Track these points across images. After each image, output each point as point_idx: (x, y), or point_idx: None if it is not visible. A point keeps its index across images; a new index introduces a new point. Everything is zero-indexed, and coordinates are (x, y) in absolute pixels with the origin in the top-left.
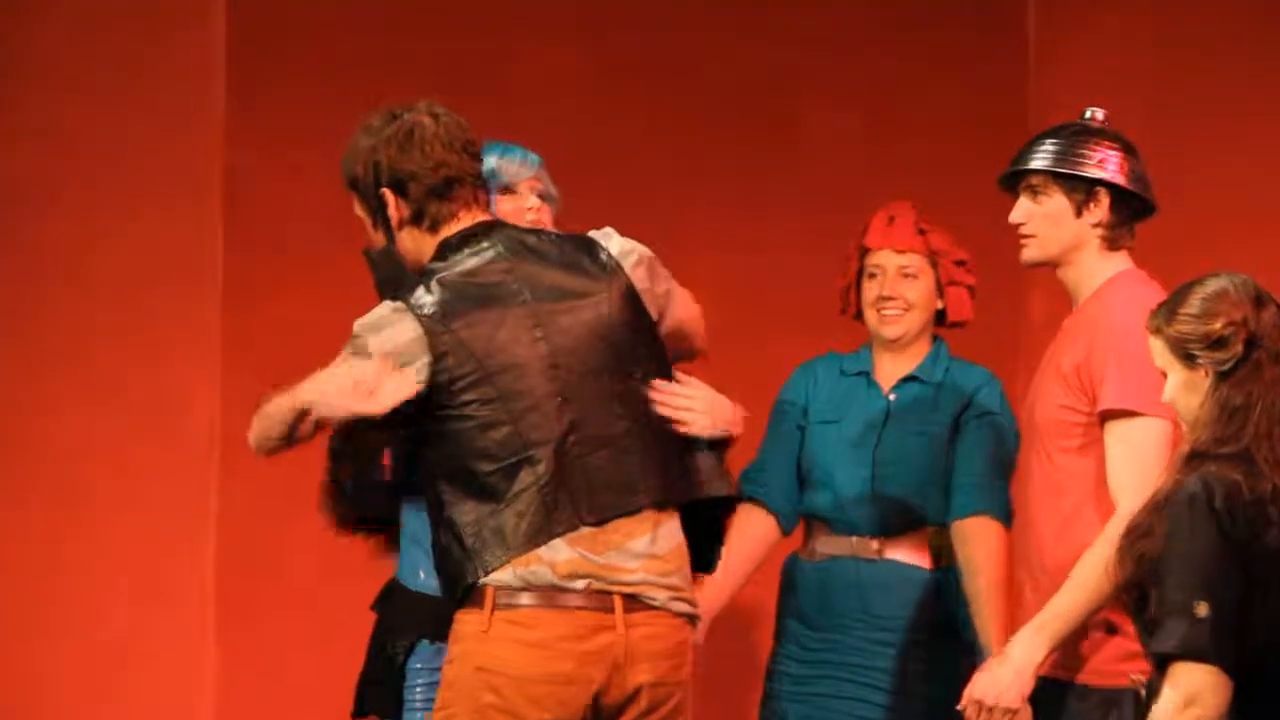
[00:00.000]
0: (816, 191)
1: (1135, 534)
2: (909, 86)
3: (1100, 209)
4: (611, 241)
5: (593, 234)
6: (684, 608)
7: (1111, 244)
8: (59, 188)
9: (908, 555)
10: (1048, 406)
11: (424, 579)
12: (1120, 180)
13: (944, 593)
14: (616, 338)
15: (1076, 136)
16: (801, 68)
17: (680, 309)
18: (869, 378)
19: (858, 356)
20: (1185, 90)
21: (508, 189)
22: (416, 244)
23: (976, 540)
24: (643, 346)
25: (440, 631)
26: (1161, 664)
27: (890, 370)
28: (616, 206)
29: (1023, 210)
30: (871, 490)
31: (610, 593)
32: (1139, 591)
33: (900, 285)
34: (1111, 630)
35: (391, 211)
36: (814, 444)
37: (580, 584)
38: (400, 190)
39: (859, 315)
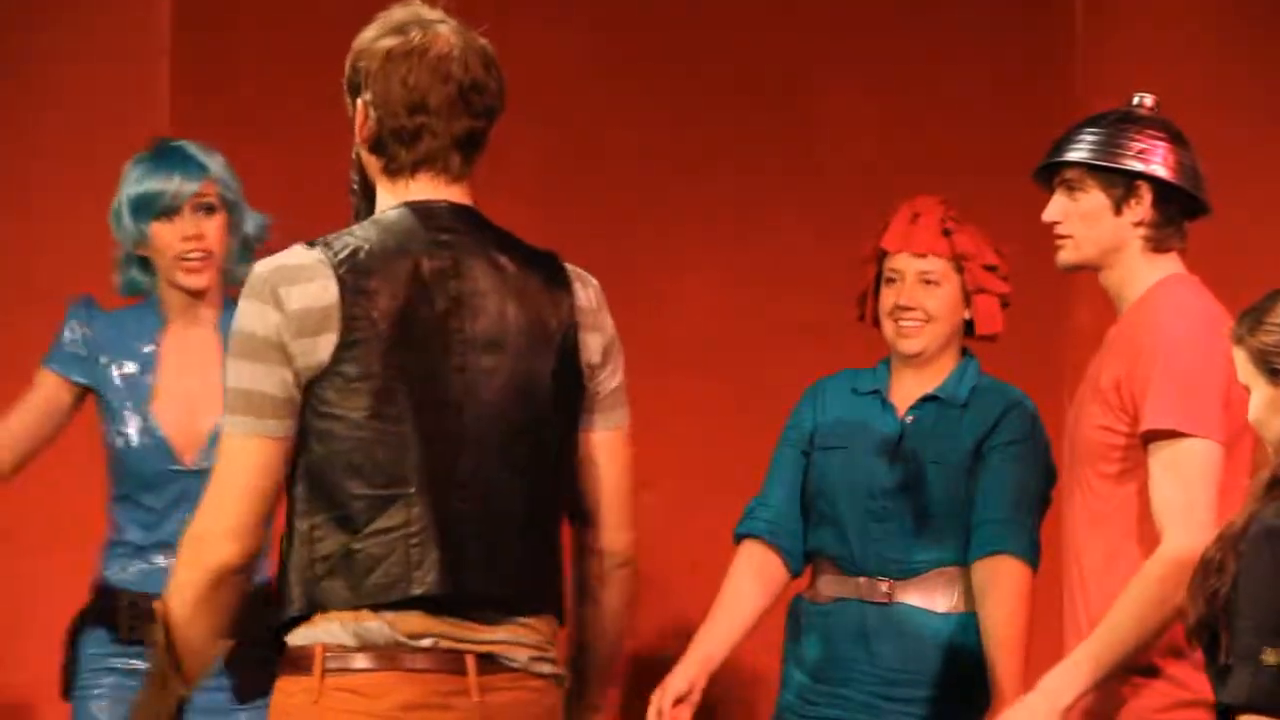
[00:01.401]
0: (832, 183)
1: (1207, 570)
2: (935, 63)
3: (1142, 206)
4: (584, 292)
5: (571, 272)
6: (549, 669)
7: (1157, 245)
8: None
9: (922, 599)
10: (1087, 428)
11: (108, 568)
12: (1164, 174)
13: (965, 643)
14: (542, 406)
15: (1118, 125)
16: (814, 43)
17: (615, 439)
18: (883, 397)
19: (874, 373)
20: (1250, 69)
21: (166, 213)
22: (372, 175)
23: (993, 583)
24: (568, 425)
25: (106, 619)
26: (1225, 718)
27: (908, 389)
28: (620, 201)
29: (1058, 208)
30: (879, 525)
31: (461, 652)
32: (1210, 634)
33: (920, 293)
34: (1154, 674)
35: (357, 123)
36: (817, 473)
37: (427, 642)
38: (371, 109)
39: (878, 323)
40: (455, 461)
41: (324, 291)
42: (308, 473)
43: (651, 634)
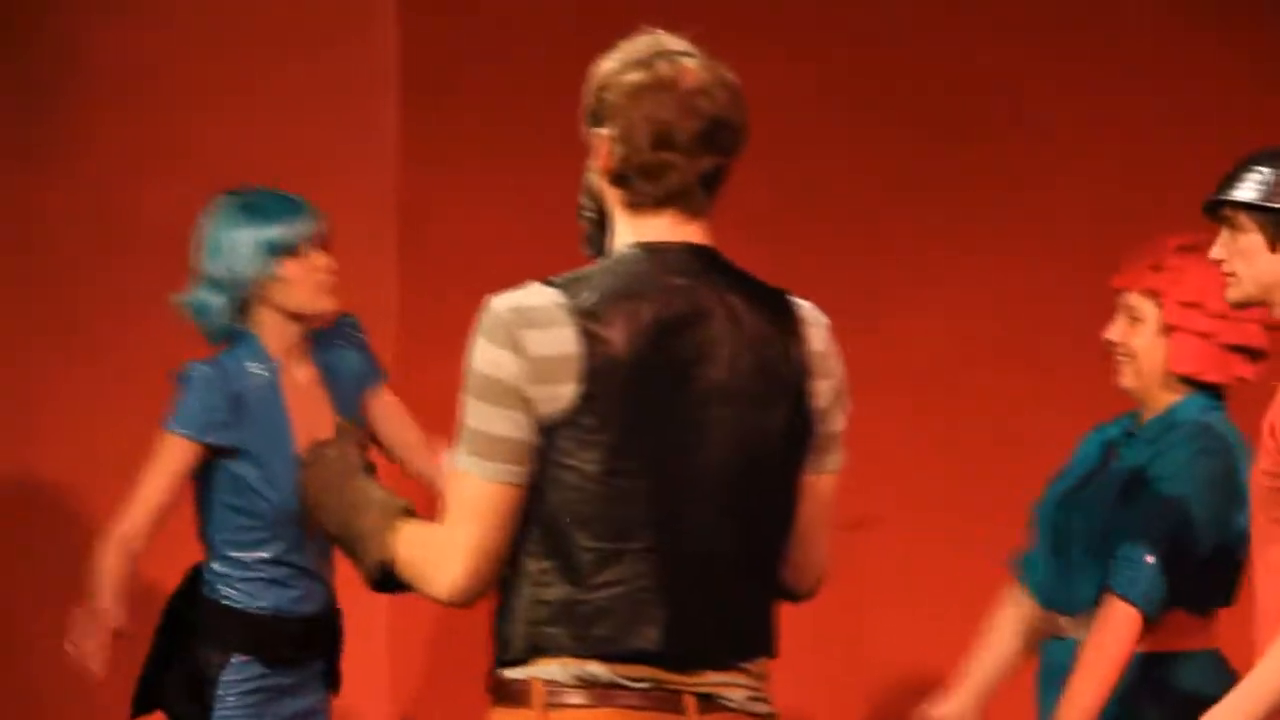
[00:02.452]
0: (1056, 214)
1: None
2: (1154, 92)
3: None
4: (816, 334)
5: (803, 313)
6: (764, 708)
7: None
8: None
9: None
10: (1258, 474)
11: (239, 595)
12: None
13: (1141, 682)
14: (771, 455)
15: (1277, 160)
16: (1036, 76)
17: (823, 483)
18: (1115, 433)
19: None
20: None
21: (295, 250)
22: (610, 206)
23: (1095, 621)
24: (794, 474)
25: (251, 646)
26: None
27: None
28: (840, 232)
29: (1220, 245)
30: (1051, 559)
31: (679, 692)
32: None
33: (1123, 329)
34: None
35: (599, 154)
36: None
37: (644, 684)
38: (615, 144)
39: None
40: (684, 516)
41: (565, 340)
42: (539, 517)
43: (875, 668)
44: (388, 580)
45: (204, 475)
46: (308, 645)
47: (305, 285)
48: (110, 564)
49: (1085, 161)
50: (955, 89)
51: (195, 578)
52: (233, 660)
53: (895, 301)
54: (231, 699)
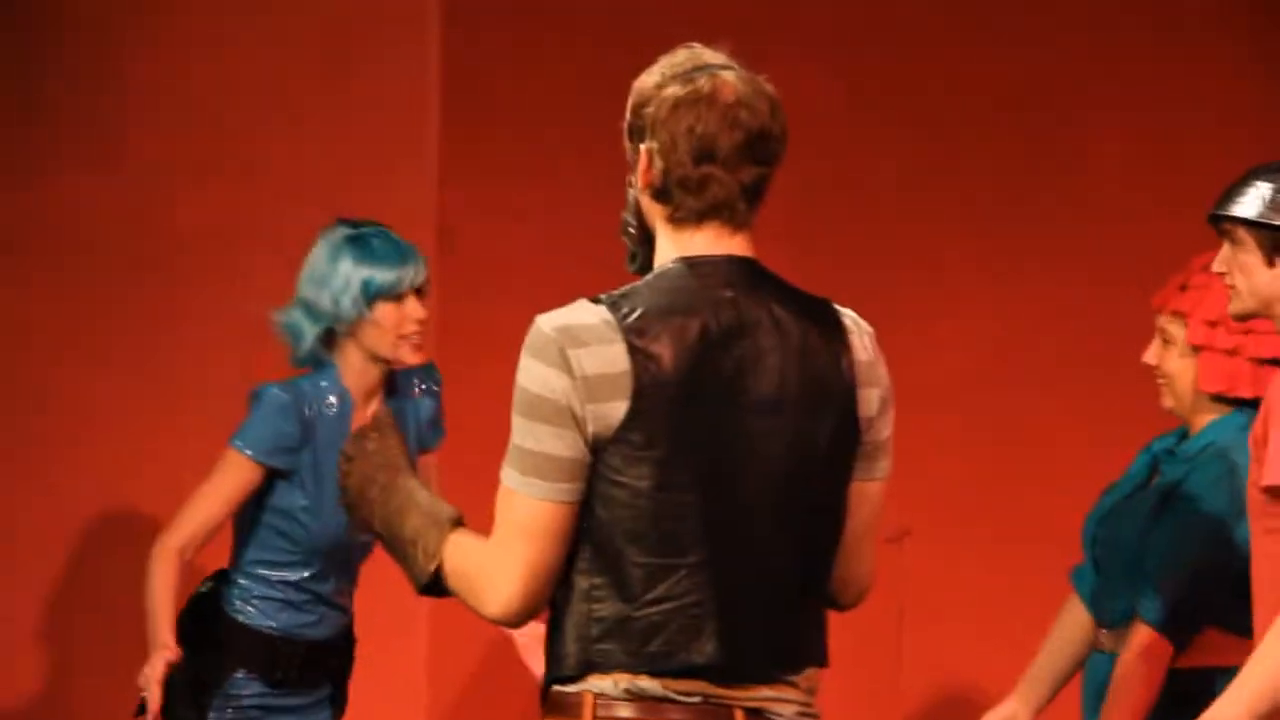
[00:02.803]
0: (1096, 223)
1: None
2: (1206, 107)
3: None
4: (861, 343)
5: (847, 322)
6: None
7: None
8: (265, 231)
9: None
10: (1249, 485)
11: (252, 612)
12: None
13: (1176, 699)
14: (819, 466)
15: (1275, 176)
16: (1082, 83)
17: (870, 490)
18: (1161, 452)
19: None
20: None
21: (397, 296)
22: (653, 221)
23: (1126, 642)
24: (842, 483)
25: (256, 664)
26: None
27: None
28: (880, 238)
29: (1221, 258)
30: (1094, 572)
31: (730, 706)
32: None
33: (1158, 352)
34: None
35: (640, 169)
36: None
37: (694, 698)
38: (656, 157)
39: None
40: (735, 529)
41: (615, 358)
42: (590, 534)
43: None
44: (435, 585)
45: (253, 494)
46: (314, 669)
47: (392, 333)
48: (161, 581)
49: (1121, 173)
50: (985, 98)
51: (209, 589)
52: (237, 675)
53: (926, 311)
54: (229, 712)
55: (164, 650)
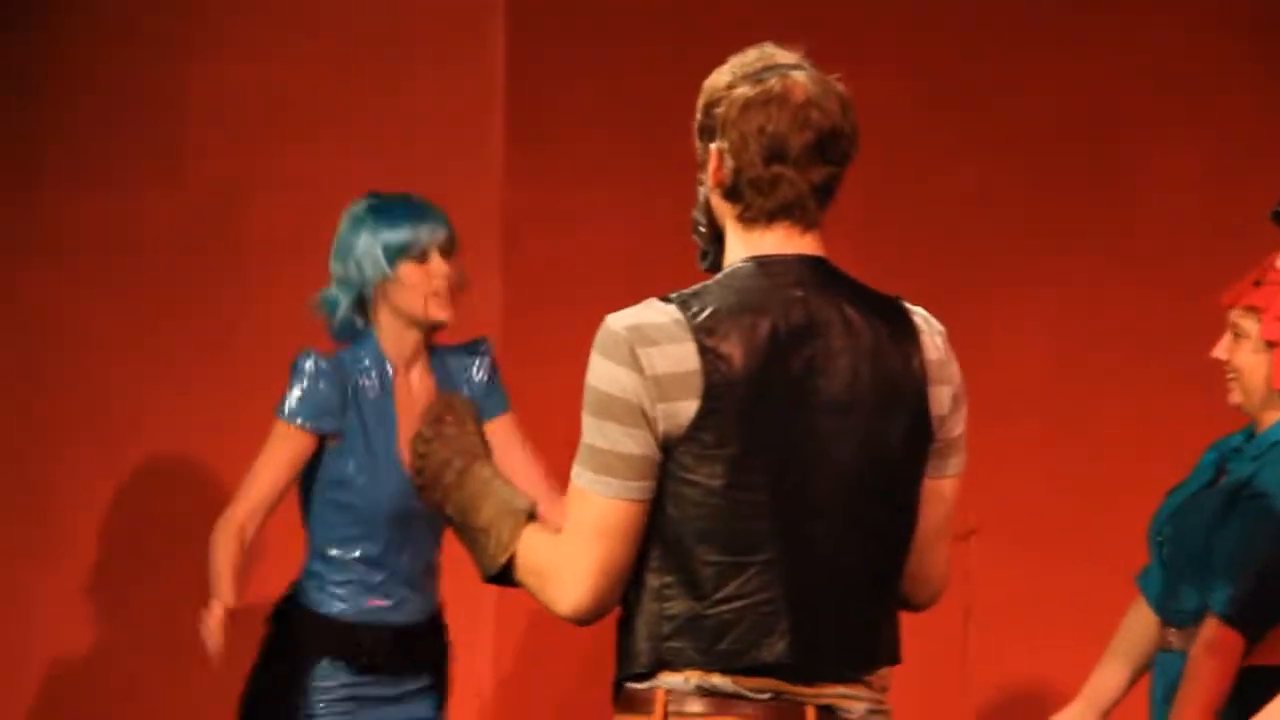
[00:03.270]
0: (1154, 231)
1: None
2: (1262, 116)
3: None
4: (932, 341)
5: (918, 320)
6: None
7: None
8: (325, 239)
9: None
10: None
11: (330, 600)
12: None
13: (1244, 697)
14: (892, 465)
15: None
16: (1137, 92)
17: (943, 487)
18: (1228, 448)
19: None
20: None
21: (420, 255)
22: (723, 221)
23: (1197, 640)
24: (915, 481)
25: (339, 652)
26: None
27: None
28: (944, 244)
29: None
30: (1161, 571)
31: (801, 703)
32: None
33: (1229, 347)
34: None
35: (710, 168)
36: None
37: (765, 695)
38: (727, 156)
39: None
40: (807, 528)
41: (685, 357)
42: (661, 532)
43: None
44: (503, 576)
45: (309, 470)
46: (403, 655)
47: (419, 291)
48: (223, 549)
49: (1193, 177)
50: (1055, 106)
51: (290, 591)
52: (321, 665)
53: (995, 314)
54: (321, 705)
55: (222, 598)
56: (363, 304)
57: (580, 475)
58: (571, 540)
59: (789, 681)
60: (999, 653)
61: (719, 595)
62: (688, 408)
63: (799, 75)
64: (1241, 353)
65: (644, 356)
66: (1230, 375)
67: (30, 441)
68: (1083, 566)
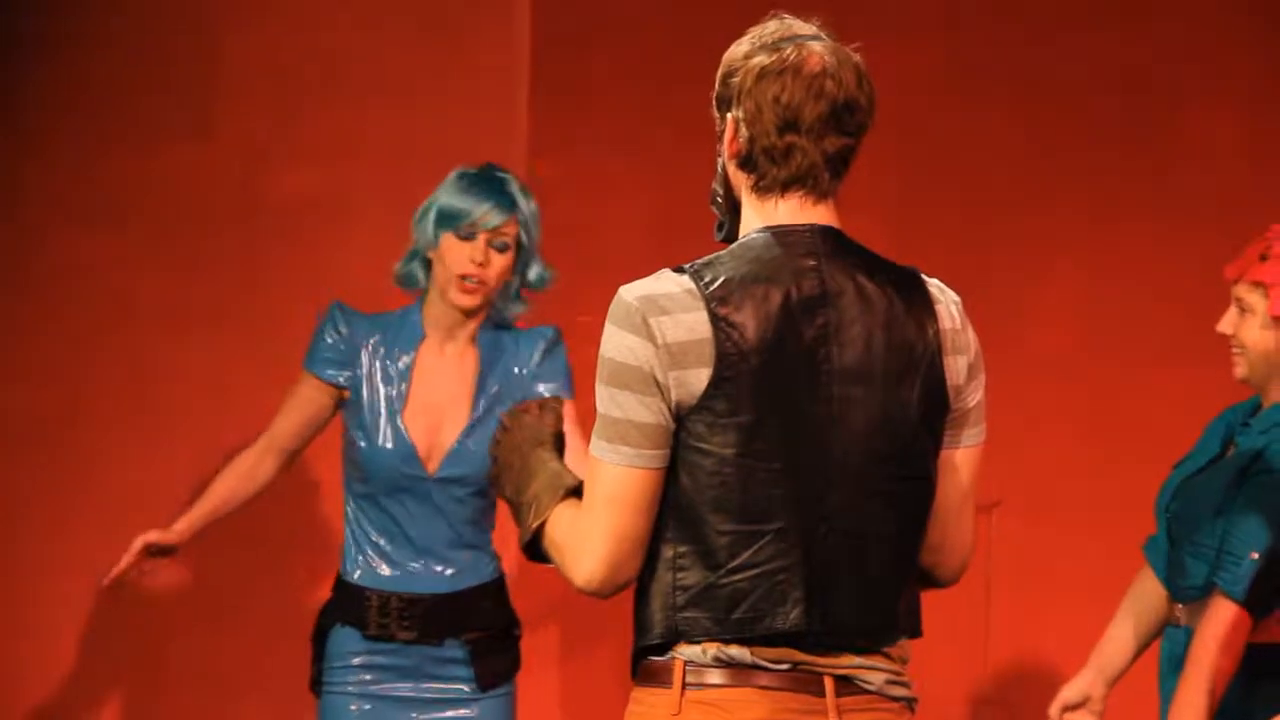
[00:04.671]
0: (1191, 200)
1: None
2: None
3: None
4: (947, 311)
5: (934, 291)
6: (902, 692)
7: None
8: (354, 202)
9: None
10: None
11: (358, 575)
12: None
13: (1249, 673)
14: (907, 433)
15: None
16: (1174, 62)
17: (964, 457)
18: (1234, 423)
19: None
20: None
21: (466, 233)
22: (739, 191)
23: (1203, 616)
24: (932, 450)
25: (351, 617)
26: None
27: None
28: (976, 214)
29: None
30: (1168, 546)
31: (819, 673)
32: None
33: (1234, 321)
34: None
35: (726, 138)
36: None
37: (783, 665)
38: (742, 125)
39: None
40: (822, 496)
41: (697, 324)
42: (674, 502)
43: (1013, 651)
44: (536, 550)
45: (325, 414)
46: (417, 626)
47: (450, 269)
48: (219, 477)
49: (1215, 150)
50: (1090, 78)
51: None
52: (337, 630)
53: (1023, 288)
54: (336, 670)
55: (158, 530)
56: (426, 262)
57: (595, 445)
58: (587, 511)
59: (806, 651)
60: (1020, 625)
61: (733, 564)
62: (700, 376)
63: (816, 45)
64: (1247, 327)
65: (656, 325)
66: (1236, 349)
67: (66, 403)
68: (1104, 540)
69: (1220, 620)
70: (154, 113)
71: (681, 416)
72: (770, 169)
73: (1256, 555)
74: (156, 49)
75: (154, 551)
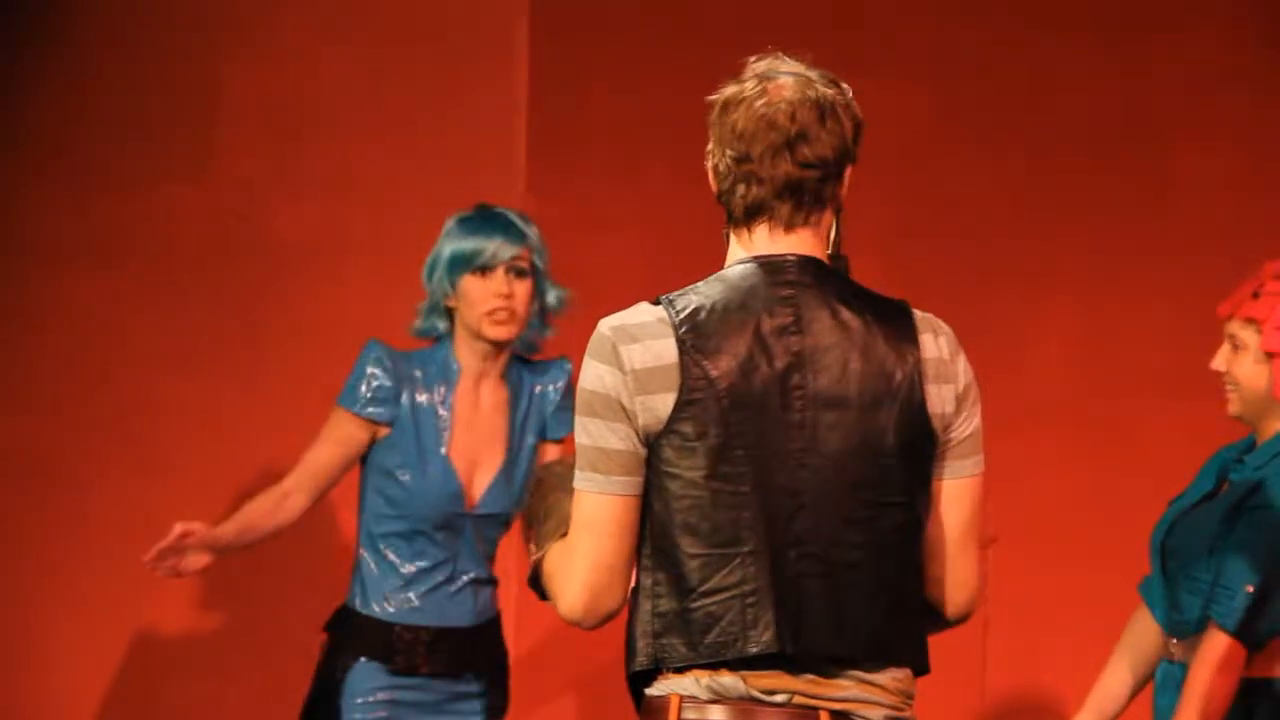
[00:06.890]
0: (1187, 240)
1: None
2: None
3: None
4: (934, 341)
5: (921, 322)
6: None
7: None
8: (352, 241)
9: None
10: None
11: (371, 600)
12: None
13: (1243, 708)
14: (883, 460)
15: None
16: (1168, 100)
17: (962, 488)
18: (1229, 460)
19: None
20: None
21: (483, 270)
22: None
23: (1198, 650)
24: (915, 479)
25: (373, 651)
26: None
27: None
28: (967, 249)
29: None
30: (1163, 581)
31: (816, 708)
32: None
33: (1227, 358)
34: None
35: (710, 173)
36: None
37: (780, 698)
38: (710, 158)
39: None
40: (792, 520)
41: (665, 351)
42: (650, 529)
43: (1010, 689)
44: (537, 582)
45: (364, 458)
46: (442, 660)
47: (477, 307)
48: (253, 502)
49: (1210, 186)
50: (1083, 116)
51: (346, 600)
52: (358, 664)
53: (1021, 326)
54: (359, 707)
55: (201, 526)
56: (439, 312)
57: (574, 475)
58: (569, 541)
59: (796, 675)
60: (1018, 661)
61: (704, 588)
62: (665, 400)
63: (786, 80)
64: (1240, 364)
65: (624, 353)
66: (1229, 386)
67: (64, 439)
68: (1101, 576)
69: (1215, 652)
70: (151, 151)
71: (651, 442)
72: (733, 200)
73: (1251, 588)
74: (154, 88)
75: (191, 544)
